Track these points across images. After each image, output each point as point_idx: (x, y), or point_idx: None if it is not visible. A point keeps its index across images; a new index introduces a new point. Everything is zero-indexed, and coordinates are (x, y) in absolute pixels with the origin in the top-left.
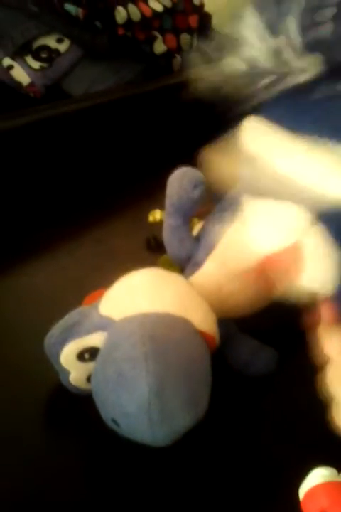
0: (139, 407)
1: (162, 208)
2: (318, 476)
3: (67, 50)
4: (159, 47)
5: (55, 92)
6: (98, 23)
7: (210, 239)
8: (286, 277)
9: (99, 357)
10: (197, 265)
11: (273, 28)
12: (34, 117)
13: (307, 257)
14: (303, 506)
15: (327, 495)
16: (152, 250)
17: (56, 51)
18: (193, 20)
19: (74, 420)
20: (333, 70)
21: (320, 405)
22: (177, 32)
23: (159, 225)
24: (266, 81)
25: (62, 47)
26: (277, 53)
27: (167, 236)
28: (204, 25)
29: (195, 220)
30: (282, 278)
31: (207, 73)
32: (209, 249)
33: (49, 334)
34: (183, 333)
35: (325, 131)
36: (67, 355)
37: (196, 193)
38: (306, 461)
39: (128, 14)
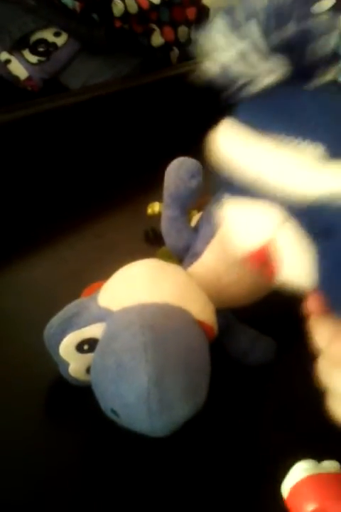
0: (138, 397)
1: (161, 200)
2: (299, 471)
3: (65, 44)
4: (156, 39)
5: (52, 86)
6: (95, 16)
7: (208, 229)
8: (266, 273)
9: (98, 348)
10: (196, 256)
11: (239, 31)
12: (32, 110)
13: (283, 252)
14: (288, 503)
15: (310, 489)
16: (150, 242)
17: (53, 45)
18: (191, 13)
19: (74, 412)
20: (299, 70)
21: (319, 394)
22: (174, 24)
23: (158, 217)
24: (236, 84)
25: (60, 41)
26: (243, 56)
27: (165, 227)
28: (201, 17)
29: (194, 211)
30: (263, 274)
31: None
32: (208, 239)
33: (48, 326)
34: (182, 323)
35: (292, 130)
36: (66, 347)
37: (193, 183)
38: (305, 450)
39: (125, 7)
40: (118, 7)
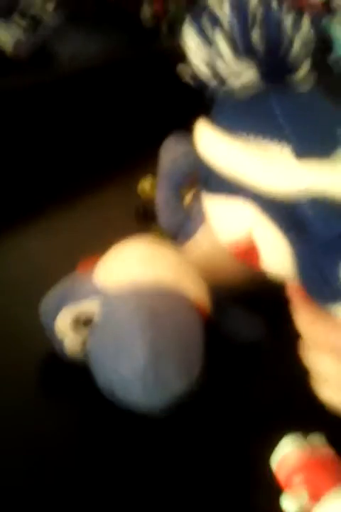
0: (135, 375)
1: (153, 177)
2: (287, 444)
3: (53, 14)
4: (146, 11)
5: (40, 55)
6: None
7: (201, 209)
8: (248, 263)
9: (94, 324)
10: (189, 235)
11: (207, 36)
12: (24, 82)
13: (261, 245)
14: (277, 475)
15: (297, 461)
16: (141, 219)
17: (41, 14)
18: None
19: (69, 388)
20: (268, 72)
21: (306, 372)
22: None
23: (148, 195)
24: (209, 86)
25: (48, 9)
26: (212, 61)
27: (159, 205)
28: None
29: (188, 190)
30: (246, 263)
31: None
32: (201, 219)
33: (44, 301)
34: (177, 302)
35: (260, 132)
36: (62, 322)
37: (187, 162)
38: (293, 424)
39: None
40: None
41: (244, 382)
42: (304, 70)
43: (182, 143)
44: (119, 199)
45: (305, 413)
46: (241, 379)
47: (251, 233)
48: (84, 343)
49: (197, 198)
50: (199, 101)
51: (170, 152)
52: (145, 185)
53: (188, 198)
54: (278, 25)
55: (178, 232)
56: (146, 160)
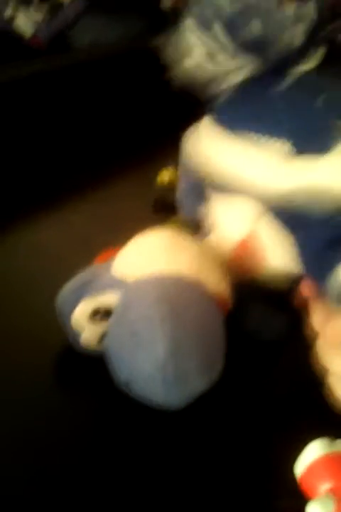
0: (154, 369)
1: (171, 168)
2: (313, 450)
3: (72, 1)
4: (167, 1)
5: (58, 43)
6: None
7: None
8: (249, 266)
9: (113, 317)
10: (211, 227)
11: (207, 31)
12: (39, 68)
13: (264, 244)
14: (303, 483)
15: (325, 468)
16: (159, 212)
17: (60, 1)
18: None
19: (85, 382)
20: (269, 66)
21: None
22: None
23: (167, 187)
24: (208, 84)
25: None
26: (211, 56)
27: (181, 196)
28: None
29: None
30: (246, 267)
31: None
32: None
33: (60, 293)
34: (198, 295)
35: (260, 129)
36: (79, 315)
37: None
38: (319, 428)
39: None
40: None
41: (265, 381)
42: (312, 60)
43: None
44: (136, 191)
45: (333, 416)
46: (262, 378)
47: (254, 232)
48: (101, 336)
49: None
50: None
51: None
52: (164, 175)
53: None
54: (280, 16)
55: (199, 224)
56: (165, 150)
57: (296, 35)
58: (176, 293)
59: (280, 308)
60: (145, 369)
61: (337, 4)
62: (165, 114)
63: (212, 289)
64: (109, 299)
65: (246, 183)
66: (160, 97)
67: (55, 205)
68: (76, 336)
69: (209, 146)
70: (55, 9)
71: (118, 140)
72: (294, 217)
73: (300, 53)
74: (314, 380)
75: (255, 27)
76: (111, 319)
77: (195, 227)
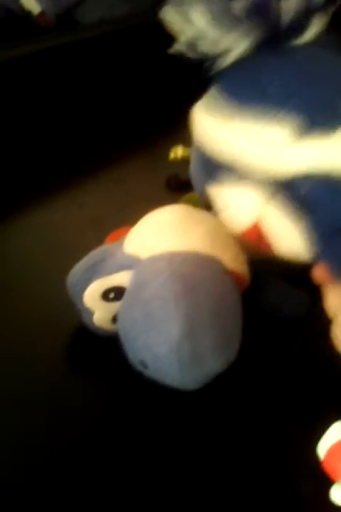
0: (169, 349)
1: (184, 144)
2: (337, 431)
3: None
4: None
5: (66, 22)
6: None
7: None
8: (263, 247)
9: (126, 296)
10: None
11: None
12: (48, 45)
13: (274, 228)
14: (326, 464)
15: None
16: (172, 189)
17: None
18: None
19: (97, 362)
20: (272, 34)
21: None
22: None
23: (180, 162)
24: (209, 57)
25: None
26: (211, 25)
27: (192, 172)
28: None
29: None
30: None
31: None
32: None
33: (72, 272)
34: (213, 272)
35: (266, 104)
36: (91, 295)
37: None
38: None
39: None
40: None
41: (285, 361)
42: (311, 30)
43: None
44: (148, 169)
45: None
46: (282, 357)
47: (261, 219)
48: (114, 316)
49: None
50: None
51: None
52: (178, 151)
53: None
54: None
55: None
56: (177, 126)
57: (288, 6)
58: (190, 270)
59: (301, 285)
60: (160, 350)
61: None
62: (176, 89)
63: (228, 265)
64: (121, 278)
65: (249, 169)
66: (171, 72)
67: (67, 186)
68: (88, 316)
69: (213, 124)
70: None
71: (129, 118)
72: (300, 202)
73: (294, 25)
74: (336, 358)
75: (242, 2)
76: (124, 299)
77: (209, 204)
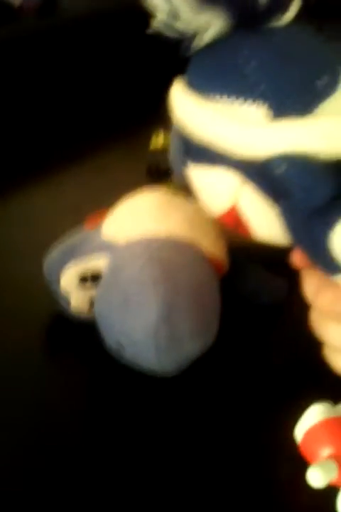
0: (146, 333)
1: (165, 131)
2: (313, 414)
3: None
4: None
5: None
6: None
7: None
8: (240, 232)
9: (103, 281)
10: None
11: None
12: (28, 31)
13: (249, 214)
14: (303, 448)
15: (328, 432)
16: (153, 178)
17: None
18: None
19: (76, 349)
20: (240, 20)
21: None
22: None
23: (161, 151)
24: (183, 39)
25: None
26: (175, 14)
27: (171, 158)
28: None
29: None
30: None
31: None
32: None
33: (49, 257)
34: (191, 258)
35: (234, 90)
36: (68, 279)
37: None
38: (319, 392)
39: None
40: None
41: (263, 345)
42: (290, 12)
43: None
44: (128, 157)
45: (333, 380)
46: (260, 342)
47: (238, 203)
48: (91, 301)
49: None
50: None
51: None
52: (158, 140)
53: None
54: None
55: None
56: (157, 116)
57: None
58: (168, 255)
59: (279, 272)
60: (137, 335)
61: None
62: (158, 78)
63: (207, 250)
64: (98, 262)
65: (224, 151)
66: (154, 59)
67: (45, 173)
68: (66, 302)
69: (190, 104)
70: None
71: (111, 105)
72: (276, 185)
73: (271, 5)
74: (313, 343)
75: None
76: (101, 283)
77: (189, 191)
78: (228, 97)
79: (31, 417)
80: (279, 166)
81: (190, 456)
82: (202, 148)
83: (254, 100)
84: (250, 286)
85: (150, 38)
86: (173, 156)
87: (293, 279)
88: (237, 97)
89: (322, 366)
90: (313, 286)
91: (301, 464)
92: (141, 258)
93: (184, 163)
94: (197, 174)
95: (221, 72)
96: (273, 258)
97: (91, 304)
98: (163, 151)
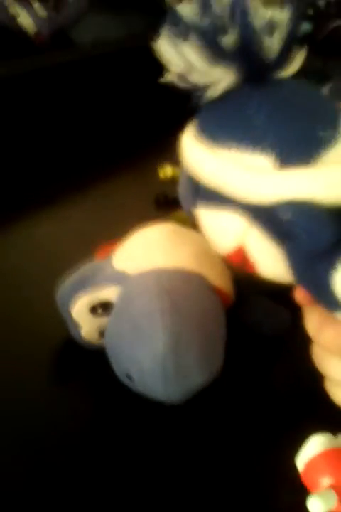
0: (154, 363)
1: (173, 163)
2: (314, 444)
3: None
4: None
5: (61, 41)
6: None
7: None
8: (247, 270)
9: (114, 311)
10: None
11: (184, 41)
12: (38, 64)
13: (255, 254)
14: (304, 477)
15: (326, 464)
16: (161, 207)
17: None
18: None
19: (85, 376)
20: (251, 74)
21: None
22: None
23: (169, 181)
24: (195, 91)
25: None
26: (190, 68)
27: (181, 191)
28: None
29: None
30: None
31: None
32: None
33: (60, 287)
34: (199, 289)
35: (243, 140)
36: (80, 309)
37: None
38: (320, 422)
39: None
40: None
41: (266, 376)
42: (293, 65)
43: None
44: (137, 186)
45: (335, 412)
46: (263, 372)
47: (244, 243)
48: (102, 331)
49: None
50: None
51: None
52: (167, 171)
53: None
54: (253, 23)
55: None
56: (166, 146)
57: (273, 43)
58: (177, 286)
59: (283, 304)
60: (146, 363)
61: None
62: (167, 110)
63: (213, 282)
64: (109, 293)
65: (237, 189)
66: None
67: (55, 200)
68: (77, 330)
69: (200, 151)
70: (58, 6)
71: (119, 136)
72: (282, 229)
73: (278, 60)
74: (315, 375)
75: (230, 38)
76: (112, 313)
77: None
78: (238, 145)
79: (39, 440)
80: (285, 211)
81: (193, 483)
82: (211, 192)
83: (263, 150)
84: (254, 317)
85: (158, 72)
86: (182, 194)
87: (296, 311)
88: (247, 147)
89: (323, 398)
90: (315, 322)
91: (302, 492)
92: (151, 290)
93: (193, 203)
94: (206, 214)
95: (231, 122)
96: (278, 290)
97: (101, 333)
98: (172, 181)
